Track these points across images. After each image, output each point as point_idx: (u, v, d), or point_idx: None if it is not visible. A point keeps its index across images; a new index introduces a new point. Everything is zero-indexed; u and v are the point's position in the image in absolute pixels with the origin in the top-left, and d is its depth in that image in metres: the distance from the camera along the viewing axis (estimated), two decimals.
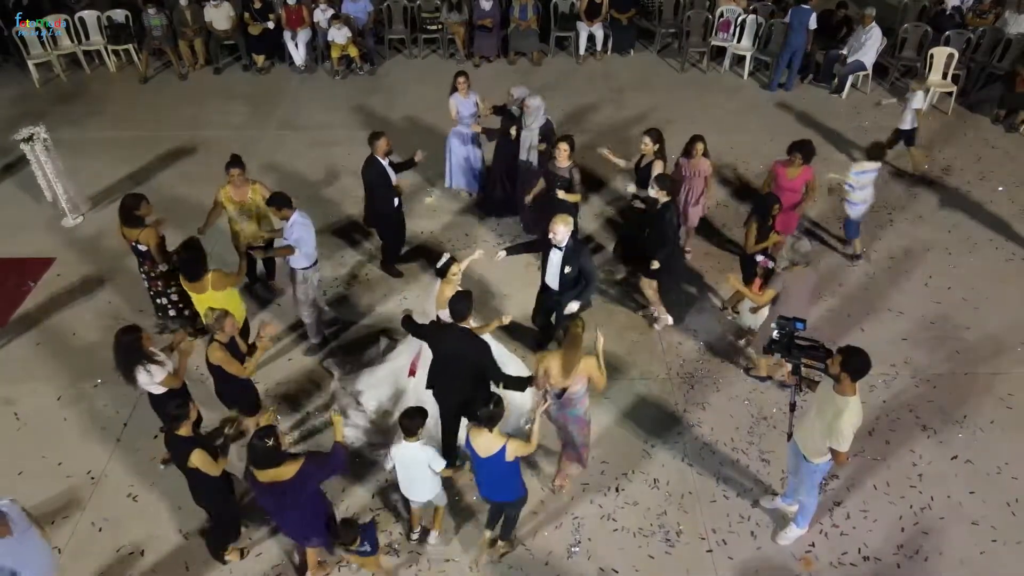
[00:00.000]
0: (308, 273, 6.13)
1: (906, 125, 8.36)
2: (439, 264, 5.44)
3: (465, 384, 4.98)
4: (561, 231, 5.60)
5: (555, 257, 5.78)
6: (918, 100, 8.23)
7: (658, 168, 6.67)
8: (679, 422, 5.95)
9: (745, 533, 5.21)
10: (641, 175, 6.84)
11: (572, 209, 6.61)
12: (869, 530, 5.22)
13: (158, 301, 6.45)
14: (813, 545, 5.12)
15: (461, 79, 7.68)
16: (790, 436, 4.75)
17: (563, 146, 6.61)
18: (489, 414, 4.35)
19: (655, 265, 6.24)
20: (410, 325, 5.20)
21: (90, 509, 5.36)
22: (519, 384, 4.98)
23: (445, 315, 5.31)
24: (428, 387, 5.21)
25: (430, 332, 5.21)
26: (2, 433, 5.90)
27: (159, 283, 6.31)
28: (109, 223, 6.07)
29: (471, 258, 5.95)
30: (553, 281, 5.90)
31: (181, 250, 5.58)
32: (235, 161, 6.38)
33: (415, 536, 5.14)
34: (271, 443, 4.06)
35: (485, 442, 4.39)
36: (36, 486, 5.45)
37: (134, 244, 6.09)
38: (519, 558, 5.07)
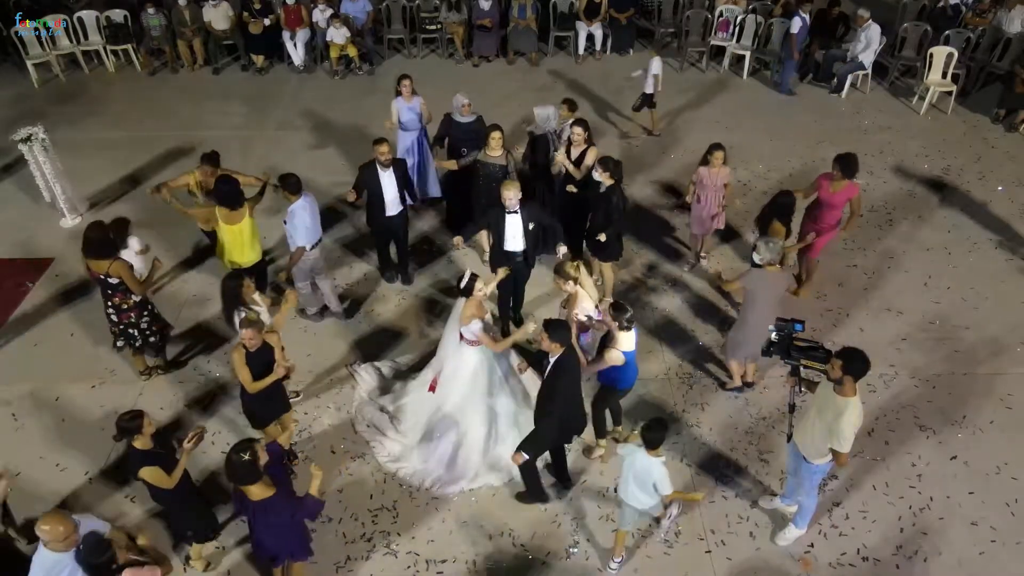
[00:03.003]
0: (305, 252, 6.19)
1: (648, 89, 9.15)
2: (462, 283, 5.17)
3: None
4: (512, 195, 5.79)
5: (514, 220, 5.91)
6: (655, 66, 9.00)
7: (592, 154, 6.72)
8: (678, 422, 5.94)
9: (744, 534, 5.21)
10: (576, 163, 6.85)
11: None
12: (868, 531, 5.21)
13: (130, 332, 5.89)
14: (812, 546, 5.12)
15: (405, 82, 7.47)
16: (789, 437, 4.75)
17: (495, 134, 6.61)
18: (632, 317, 5.00)
19: (602, 238, 6.37)
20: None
21: (89, 511, 5.33)
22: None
23: (467, 332, 5.23)
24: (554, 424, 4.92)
25: (559, 393, 4.81)
26: (0, 434, 5.89)
27: (131, 314, 5.81)
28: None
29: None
30: (517, 243, 6.01)
31: (220, 183, 5.75)
32: (208, 159, 6.51)
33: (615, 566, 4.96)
34: (246, 457, 3.91)
35: (631, 339, 5.07)
36: (34, 487, 5.44)
37: (102, 277, 5.56)
38: (518, 558, 5.06)
